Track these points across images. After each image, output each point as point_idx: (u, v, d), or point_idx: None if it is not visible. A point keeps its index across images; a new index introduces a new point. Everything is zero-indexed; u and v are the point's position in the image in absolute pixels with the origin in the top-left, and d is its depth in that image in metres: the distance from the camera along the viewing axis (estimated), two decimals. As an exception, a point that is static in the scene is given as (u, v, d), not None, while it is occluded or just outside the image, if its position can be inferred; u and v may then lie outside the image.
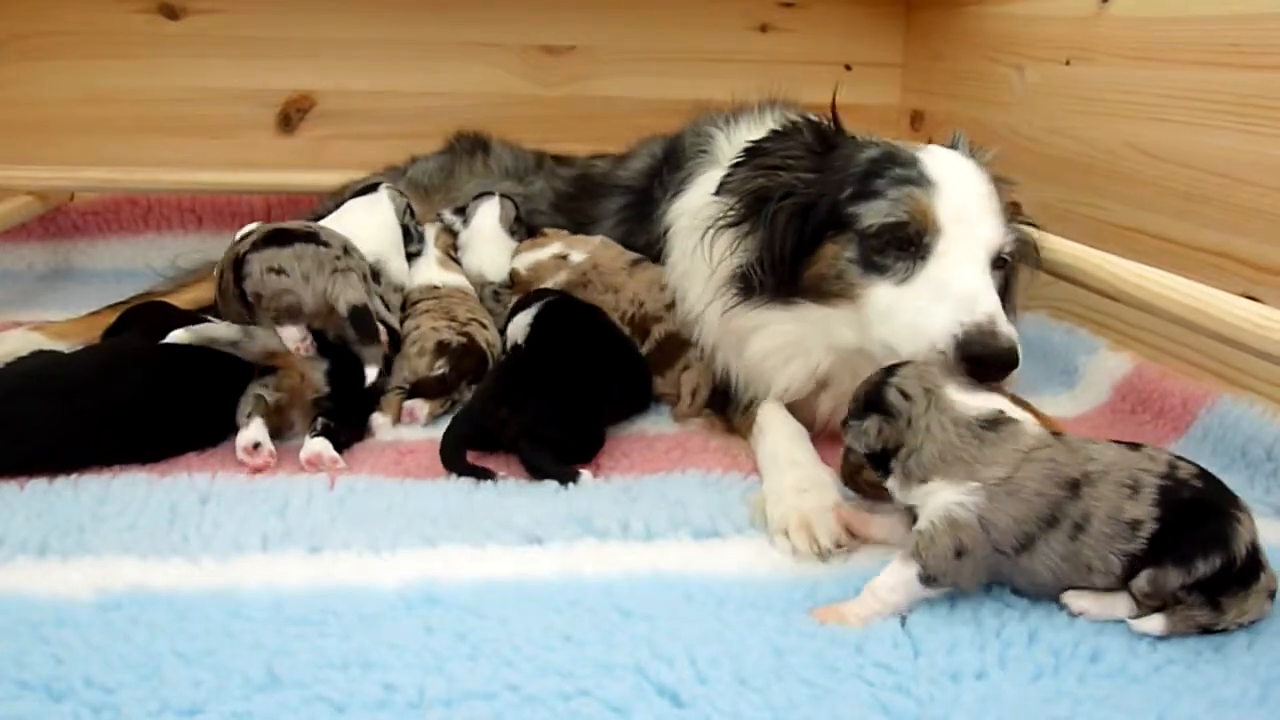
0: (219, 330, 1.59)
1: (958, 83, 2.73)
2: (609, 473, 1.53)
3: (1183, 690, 1.04)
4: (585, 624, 1.12)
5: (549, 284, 1.94)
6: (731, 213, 1.61)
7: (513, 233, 2.13)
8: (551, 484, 1.45)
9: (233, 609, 1.13)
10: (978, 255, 1.46)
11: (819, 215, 1.54)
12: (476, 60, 2.84)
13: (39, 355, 1.62)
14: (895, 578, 1.16)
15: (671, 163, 2.00)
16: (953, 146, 1.66)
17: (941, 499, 1.17)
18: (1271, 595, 1.15)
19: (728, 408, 1.71)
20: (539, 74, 2.88)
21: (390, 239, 1.98)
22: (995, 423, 1.20)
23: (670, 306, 1.81)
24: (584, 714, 0.98)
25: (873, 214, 1.48)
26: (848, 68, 3.03)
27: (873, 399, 1.26)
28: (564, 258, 1.97)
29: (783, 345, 1.61)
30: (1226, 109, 1.80)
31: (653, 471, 1.54)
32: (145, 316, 1.77)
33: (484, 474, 1.47)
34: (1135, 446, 1.21)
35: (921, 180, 1.48)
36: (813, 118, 1.66)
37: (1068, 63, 2.23)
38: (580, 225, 2.17)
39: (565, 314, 1.79)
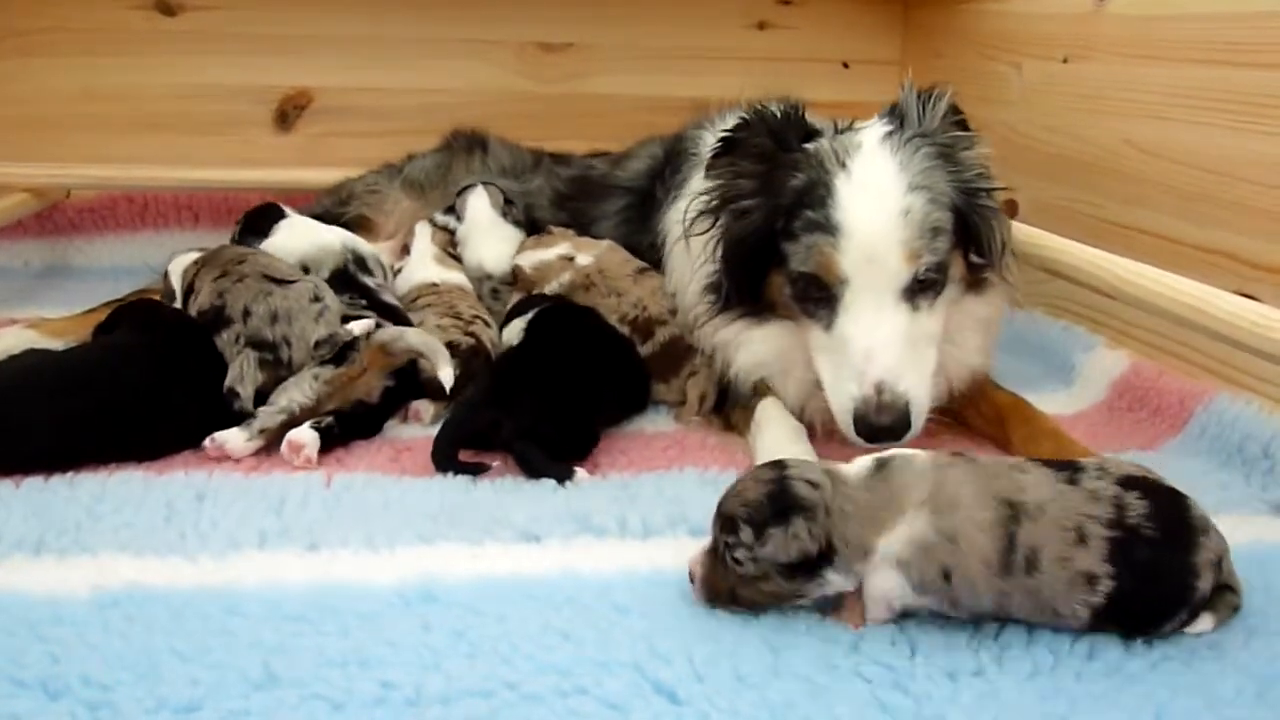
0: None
1: (956, 80, 2.67)
2: (607, 470, 1.53)
3: (1180, 688, 1.03)
4: (583, 622, 1.12)
5: (553, 284, 1.94)
6: (697, 225, 1.61)
7: (505, 215, 2.12)
8: (549, 481, 1.45)
9: (230, 607, 1.13)
10: (883, 299, 1.42)
11: (760, 245, 1.52)
12: (474, 57, 2.83)
13: (31, 354, 1.61)
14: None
15: (672, 164, 1.99)
16: (892, 113, 1.56)
17: (892, 549, 1.09)
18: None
19: (725, 404, 1.71)
20: (536, 71, 2.88)
21: None
22: (880, 464, 1.14)
23: (675, 311, 1.80)
24: (581, 712, 0.98)
25: (795, 259, 1.46)
26: (846, 65, 3.02)
27: (780, 500, 1.11)
28: (570, 259, 1.96)
29: (770, 360, 1.61)
30: (1225, 107, 1.80)
31: (650, 469, 1.54)
32: (136, 313, 1.76)
33: (478, 469, 1.47)
34: (1074, 475, 1.12)
35: (828, 226, 1.43)
36: (775, 110, 1.58)
37: (1066, 60, 2.23)
38: (580, 226, 2.16)
39: (560, 317, 1.78)
